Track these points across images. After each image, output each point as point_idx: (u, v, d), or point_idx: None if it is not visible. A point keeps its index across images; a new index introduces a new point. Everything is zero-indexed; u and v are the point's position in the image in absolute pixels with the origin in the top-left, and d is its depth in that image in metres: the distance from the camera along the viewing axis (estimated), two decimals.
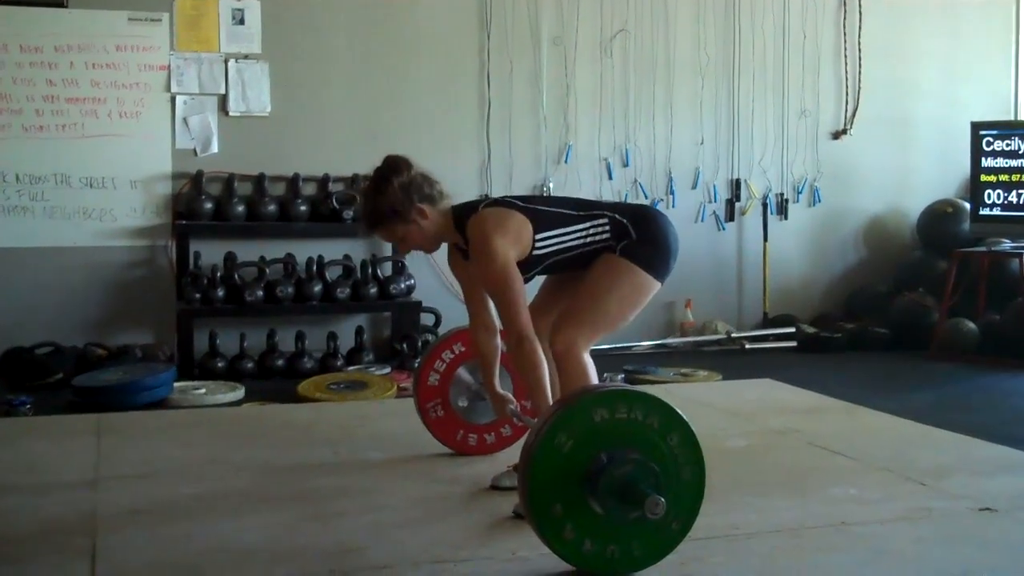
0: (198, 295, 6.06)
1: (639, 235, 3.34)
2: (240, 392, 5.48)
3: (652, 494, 2.68)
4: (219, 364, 6.01)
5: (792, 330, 7.02)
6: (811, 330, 7.02)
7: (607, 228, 3.36)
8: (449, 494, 3.57)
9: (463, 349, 3.91)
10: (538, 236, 3.32)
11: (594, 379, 3.31)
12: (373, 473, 3.84)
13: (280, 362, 6.10)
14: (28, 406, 5.08)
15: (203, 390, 5.52)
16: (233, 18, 6.40)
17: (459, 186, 6.68)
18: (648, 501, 2.67)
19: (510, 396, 3.65)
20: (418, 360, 3.90)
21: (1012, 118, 7.70)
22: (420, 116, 6.67)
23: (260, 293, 6.15)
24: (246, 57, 6.42)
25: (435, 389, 3.93)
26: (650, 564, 2.80)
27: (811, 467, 3.92)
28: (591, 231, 3.36)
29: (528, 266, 3.34)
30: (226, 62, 6.40)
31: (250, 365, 6.05)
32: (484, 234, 3.26)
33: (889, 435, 4.46)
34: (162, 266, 6.33)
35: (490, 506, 3.41)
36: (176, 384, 5.47)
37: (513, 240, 3.27)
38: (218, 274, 6.14)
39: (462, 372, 3.94)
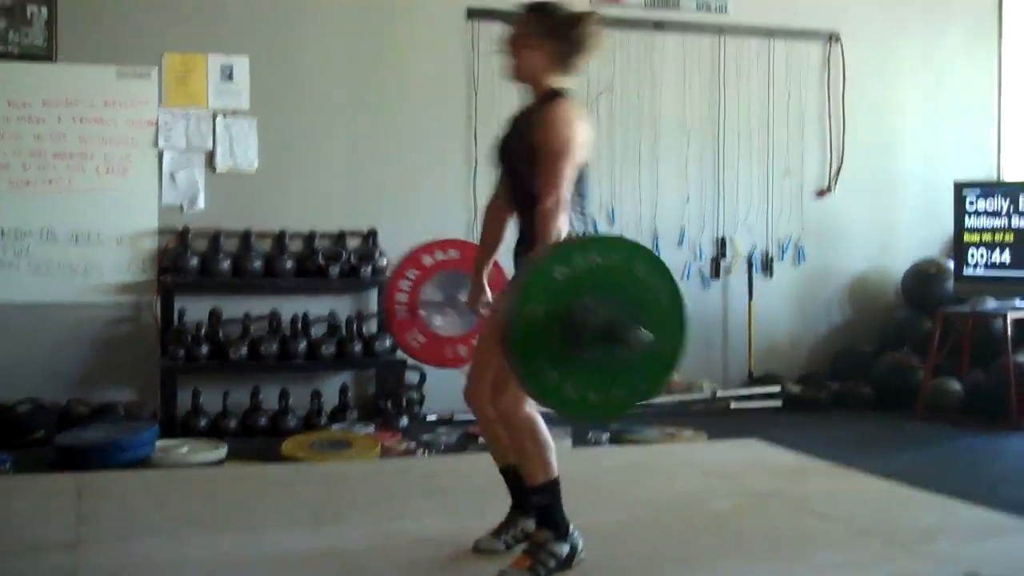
0: (182, 352, 6.04)
1: None
2: (223, 451, 5.43)
3: (632, 328, 2.68)
4: (202, 422, 5.97)
5: (777, 389, 7.02)
6: (796, 389, 7.02)
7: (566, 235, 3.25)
8: (433, 557, 3.54)
9: (416, 275, 3.85)
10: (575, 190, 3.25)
11: (544, 430, 3.21)
12: (356, 535, 3.81)
13: (263, 420, 6.07)
14: (8, 464, 5.03)
15: (185, 449, 5.48)
16: (222, 74, 6.44)
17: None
18: (630, 337, 2.69)
19: (488, 291, 3.62)
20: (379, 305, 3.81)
21: (995, 177, 7.77)
22: (407, 173, 6.69)
23: (244, 350, 6.13)
24: (234, 113, 6.45)
25: (406, 322, 3.85)
26: (656, 392, 2.85)
27: (797, 531, 3.90)
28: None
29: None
30: (214, 118, 6.42)
31: (233, 423, 6.01)
32: (570, 118, 3.22)
33: (875, 497, 4.45)
34: (146, 322, 6.31)
35: (475, 569, 3.39)
36: (158, 443, 5.43)
37: (581, 147, 3.20)
38: (202, 331, 6.11)
39: (426, 294, 3.86)
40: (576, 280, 2.74)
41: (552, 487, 3.26)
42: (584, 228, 3.28)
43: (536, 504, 3.30)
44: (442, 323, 3.88)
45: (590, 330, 2.71)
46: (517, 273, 3.11)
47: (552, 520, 3.27)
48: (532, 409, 3.22)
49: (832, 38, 7.50)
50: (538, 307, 2.70)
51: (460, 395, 6.43)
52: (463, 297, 3.71)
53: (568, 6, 3.36)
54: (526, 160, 3.25)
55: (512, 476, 3.50)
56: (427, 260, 3.90)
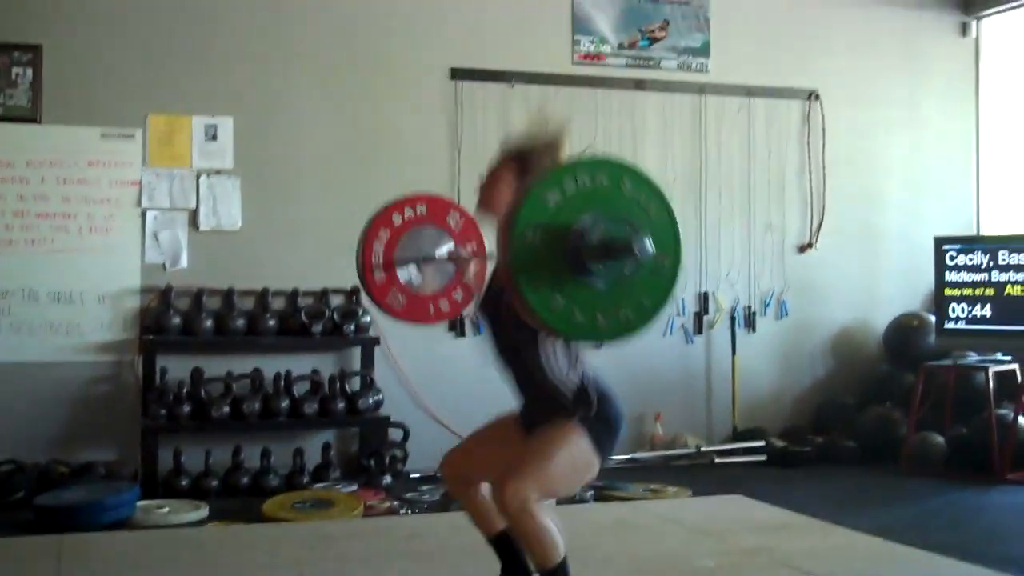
0: (163, 411, 6.00)
1: (600, 412, 3.16)
2: (204, 511, 5.39)
3: (635, 238, 2.75)
4: (183, 482, 5.92)
5: (761, 444, 7.01)
6: (780, 444, 7.01)
7: (572, 385, 3.17)
8: None
9: (388, 234, 3.82)
10: None
11: (557, 537, 3.13)
12: None
13: (245, 479, 6.02)
14: None
15: (166, 509, 5.43)
16: (206, 134, 6.46)
17: None
18: (635, 247, 2.74)
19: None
20: (357, 270, 3.79)
21: (974, 232, 7.83)
22: None
23: (226, 409, 6.09)
24: (218, 172, 6.47)
25: (384, 286, 3.81)
26: (662, 307, 2.87)
27: None
28: (560, 370, 3.16)
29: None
30: (198, 177, 6.44)
31: (215, 483, 5.97)
32: None
33: (860, 554, 4.44)
34: (128, 382, 6.28)
35: None
36: (139, 503, 5.38)
37: None
38: (184, 390, 6.08)
39: (400, 252, 3.81)
40: (569, 203, 2.78)
41: (562, 567, 3.16)
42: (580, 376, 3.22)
43: None
44: (421, 281, 3.86)
45: (592, 248, 2.75)
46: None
47: None
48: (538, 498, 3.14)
49: (812, 96, 7.59)
50: (535, 234, 2.75)
51: (443, 451, 6.40)
52: (440, 251, 3.72)
53: (542, 131, 3.37)
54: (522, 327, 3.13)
55: (501, 546, 3.44)
56: (397, 219, 3.87)
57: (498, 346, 3.31)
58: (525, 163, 3.25)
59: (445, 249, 3.71)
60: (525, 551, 3.24)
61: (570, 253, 2.77)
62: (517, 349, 3.18)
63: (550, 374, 3.12)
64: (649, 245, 2.77)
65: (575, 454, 3.12)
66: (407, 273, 3.82)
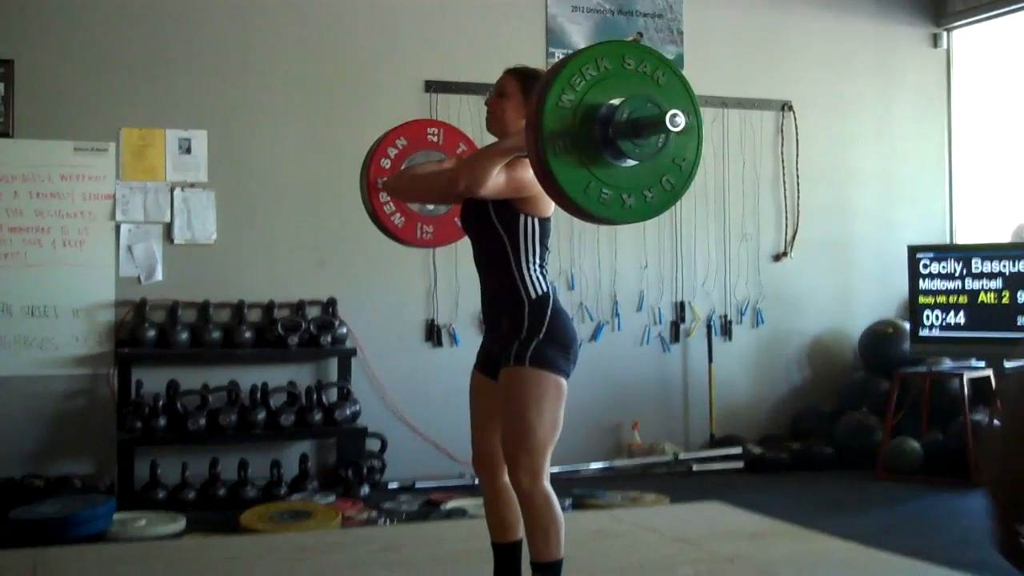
0: (139, 424, 5.97)
1: (550, 333, 3.25)
2: (181, 523, 5.37)
3: (666, 109, 2.79)
4: (160, 494, 5.89)
5: (739, 451, 7.03)
6: (757, 450, 7.04)
7: (541, 291, 3.30)
8: None
9: (395, 153, 3.84)
10: (537, 216, 3.31)
11: (558, 507, 3.23)
12: None
13: (222, 491, 5.99)
14: None
15: (143, 521, 5.41)
16: (180, 147, 6.45)
17: (405, 310, 6.78)
18: (667, 117, 2.78)
19: None
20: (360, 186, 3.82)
21: (948, 240, 7.90)
22: (366, 243, 6.67)
23: (203, 421, 6.07)
24: (192, 185, 6.45)
25: (386, 202, 3.85)
26: (688, 185, 2.93)
27: None
28: (534, 272, 3.31)
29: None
30: (172, 190, 6.42)
31: (192, 495, 5.94)
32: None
33: (838, 560, 4.46)
34: (103, 395, 6.24)
35: None
36: (115, 516, 5.35)
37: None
38: (160, 402, 6.05)
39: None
40: (585, 96, 2.82)
41: (557, 568, 3.24)
42: (547, 284, 3.32)
43: None
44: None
45: (617, 126, 2.79)
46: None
47: None
48: (549, 484, 3.24)
49: (785, 107, 7.64)
50: (559, 128, 2.79)
51: (421, 461, 6.41)
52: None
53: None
54: (482, 211, 3.32)
55: (504, 555, 3.46)
56: (391, 152, 3.91)
57: (476, 252, 3.43)
58: (530, 85, 3.27)
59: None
60: (528, 539, 3.26)
61: (601, 139, 2.81)
62: (495, 255, 3.31)
63: (519, 279, 3.28)
64: (680, 117, 2.81)
65: (544, 398, 3.22)
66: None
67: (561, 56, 7.14)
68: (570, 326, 3.33)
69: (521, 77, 3.34)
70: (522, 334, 3.23)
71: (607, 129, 2.81)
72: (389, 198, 3.82)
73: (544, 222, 3.33)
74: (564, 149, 2.79)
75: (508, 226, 3.29)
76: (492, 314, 3.38)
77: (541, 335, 3.23)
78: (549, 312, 3.27)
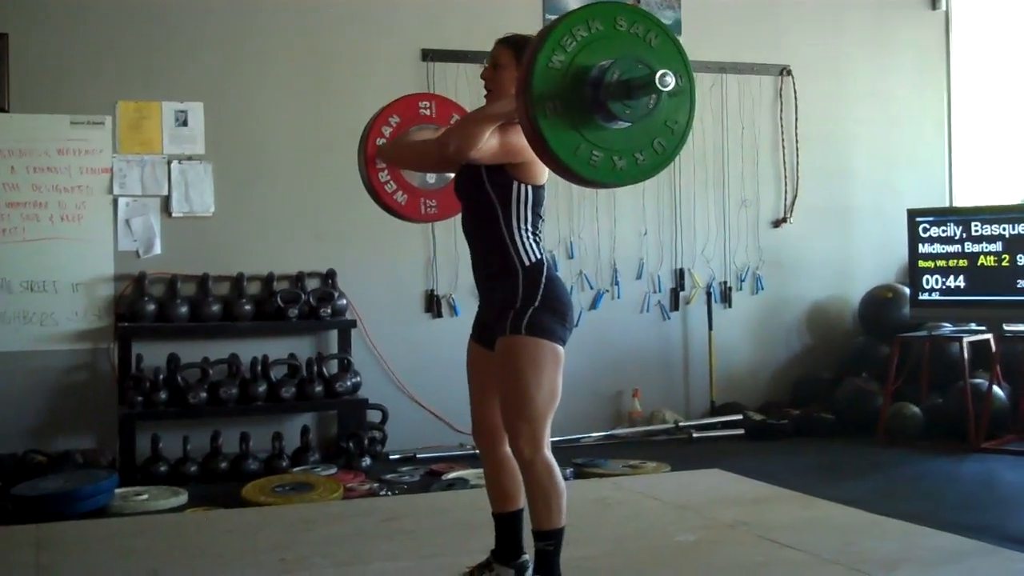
0: (140, 398, 5.97)
1: (546, 301, 3.26)
2: (183, 497, 5.38)
3: (656, 70, 2.78)
4: (162, 468, 5.90)
5: (739, 418, 7.04)
6: (758, 417, 7.05)
7: (534, 257, 3.32)
8: None
9: (390, 131, 3.85)
10: (531, 183, 3.32)
11: (559, 475, 3.26)
12: None
13: (224, 464, 6.00)
14: None
15: (145, 496, 5.42)
16: (176, 120, 6.42)
17: (405, 281, 6.77)
18: (656, 76, 2.77)
19: None
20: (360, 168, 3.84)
21: (947, 204, 7.87)
22: (365, 214, 6.65)
23: (204, 395, 6.07)
24: (189, 158, 6.42)
25: (386, 182, 3.86)
26: (679, 148, 2.94)
27: (762, 563, 3.91)
28: (527, 240, 3.32)
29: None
30: (169, 163, 6.39)
31: (193, 468, 5.94)
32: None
33: (838, 525, 4.47)
34: (104, 369, 6.24)
35: None
36: (118, 490, 5.36)
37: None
38: (161, 376, 6.06)
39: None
40: (575, 57, 2.82)
41: (558, 535, 3.25)
42: (540, 252, 3.33)
43: (539, 549, 3.27)
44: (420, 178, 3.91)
45: (606, 89, 2.78)
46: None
47: (550, 568, 3.27)
48: (550, 452, 3.25)
49: (784, 71, 7.60)
50: (549, 90, 2.78)
51: (422, 432, 6.41)
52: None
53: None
54: (476, 177, 3.32)
55: (505, 524, 3.47)
56: (386, 131, 3.90)
57: (468, 220, 3.43)
58: (523, 53, 3.25)
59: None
60: (530, 508, 3.28)
61: (592, 102, 2.80)
62: (487, 222, 3.32)
63: (511, 246, 3.29)
64: (669, 77, 2.79)
65: (542, 367, 3.22)
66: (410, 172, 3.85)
67: None
68: (565, 293, 3.34)
69: (514, 45, 3.32)
70: (517, 303, 3.24)
71: (598, 91, 2.80)
72: (389, 176, 3.80)
73: (537, 190, 3.32)
74: (554, 111, 2.79)
75: (501, 192, 3.29)
76: (485, 283, 3.39)
77: (536, 303, 3.24)
78: (544, 280, 3.27)
